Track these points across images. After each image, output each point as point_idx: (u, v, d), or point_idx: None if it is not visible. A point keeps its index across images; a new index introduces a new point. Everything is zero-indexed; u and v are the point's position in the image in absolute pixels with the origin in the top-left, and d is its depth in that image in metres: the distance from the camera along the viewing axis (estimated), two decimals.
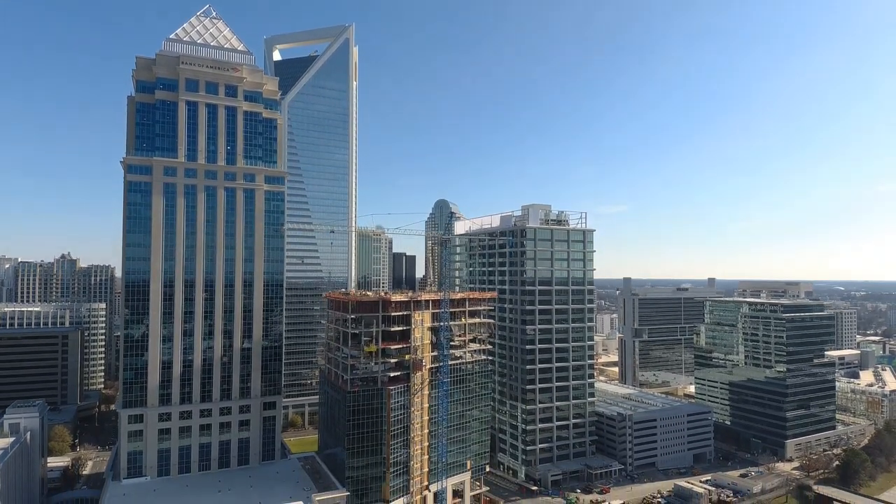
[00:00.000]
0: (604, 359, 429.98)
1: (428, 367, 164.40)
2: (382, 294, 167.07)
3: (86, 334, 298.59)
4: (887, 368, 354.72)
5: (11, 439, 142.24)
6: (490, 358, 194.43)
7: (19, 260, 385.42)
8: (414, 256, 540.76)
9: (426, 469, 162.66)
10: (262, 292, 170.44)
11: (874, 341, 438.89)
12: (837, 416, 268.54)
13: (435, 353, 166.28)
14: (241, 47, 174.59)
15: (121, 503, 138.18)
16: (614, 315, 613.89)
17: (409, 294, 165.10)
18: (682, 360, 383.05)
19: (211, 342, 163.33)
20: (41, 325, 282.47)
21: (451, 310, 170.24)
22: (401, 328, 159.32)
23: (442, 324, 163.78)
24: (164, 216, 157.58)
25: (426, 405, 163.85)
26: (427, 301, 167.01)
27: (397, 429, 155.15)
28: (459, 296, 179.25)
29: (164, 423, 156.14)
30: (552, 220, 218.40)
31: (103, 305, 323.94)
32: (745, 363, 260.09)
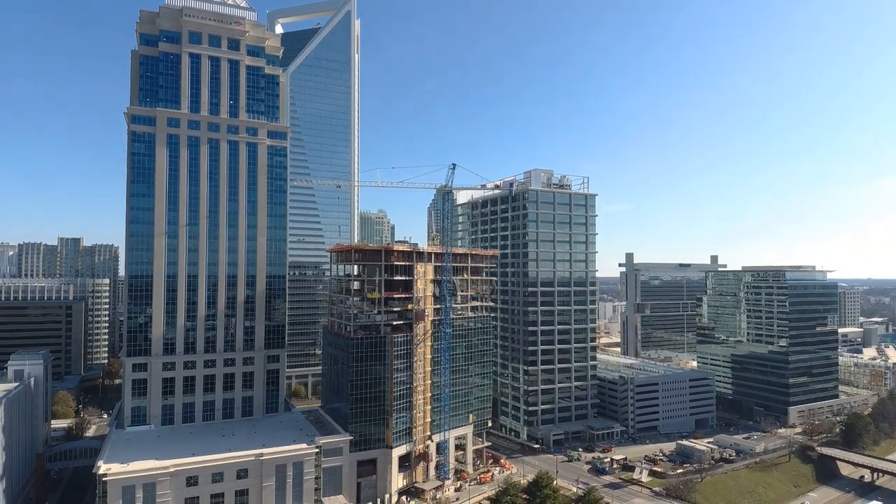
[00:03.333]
0: (605, 340, 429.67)
1: (430, 318, 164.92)
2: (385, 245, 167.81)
3: (90, 309, 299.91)
4: (890, 346, 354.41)
5: (15, 384, 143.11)
6: (492, 315, 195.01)
7: (23, 242, 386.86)
8: (416, 244, 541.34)
9: (429, 419, 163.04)
10: (264, 247, 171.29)
11: (877, 322, 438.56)
12: (840, 389, 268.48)
13: (437, 307, 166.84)
14: (242, 3, 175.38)
15: (124, 447, 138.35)
16: (616, 303, 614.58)
17: (412, 246, 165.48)
18: (683, 341, 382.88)
19: (215, 294, 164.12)
20: (45, 299, 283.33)
21: (454, 264, 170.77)
22: (403, 278, 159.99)
23: (444, 276, 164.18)
24: (167, 167, 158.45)
25: (429, 356, 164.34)
26: (429, 254, 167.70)
27: (400, 377, 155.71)
28: (461, 251, 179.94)
29: (168, 372, 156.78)
30: (554, 185, 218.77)
31: (107, 281, 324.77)
32: (748, 332, 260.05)
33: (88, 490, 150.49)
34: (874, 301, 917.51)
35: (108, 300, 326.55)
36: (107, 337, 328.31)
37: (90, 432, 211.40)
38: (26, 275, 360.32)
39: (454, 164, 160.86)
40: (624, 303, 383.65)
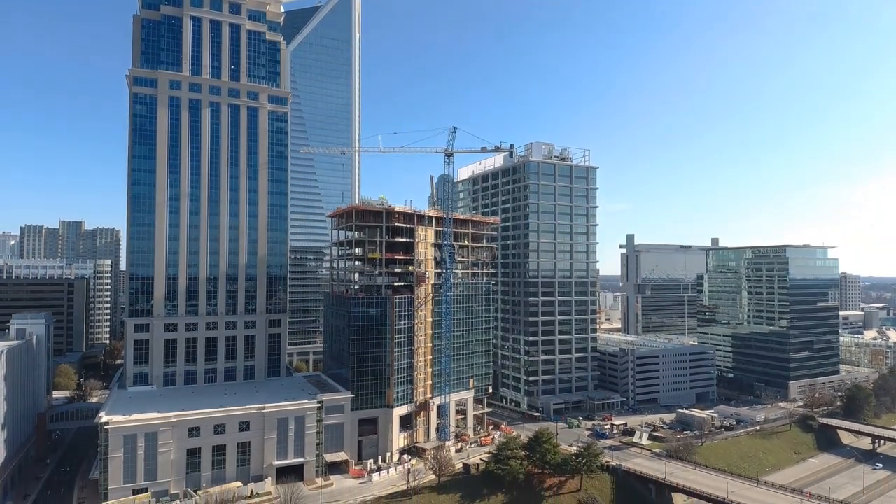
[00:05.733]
0: (606, 326, 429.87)
1: (431, 282, 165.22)
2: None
3: (92, 290, 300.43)
4: (891, 329, 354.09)
5: (17, 341, 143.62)
6: (493, 282, 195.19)
7: (24, 225, 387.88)
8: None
9: (429, 381, 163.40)
10: (266, 212, 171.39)
11: (878, 307, 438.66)
12: (841, 368, 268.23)
13: (438, 271, 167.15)
14: None
15: (126, 403, 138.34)
16: (617, 293, 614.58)
17: (413, 209, 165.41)
18: (684, 325, 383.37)
19: (217, 258, 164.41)
20: (47, 278, 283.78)
21: (455, 230, 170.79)
22: (404, 240, 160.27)
23: (445, 240, 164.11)
24: (168, 129, 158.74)
25: (430, 319, 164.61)
26: (431, 217, 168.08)
27: (401, 338, 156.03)
28: (462, 217, 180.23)
29: (170, 333, 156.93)
30: (556, 157, 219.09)
31: (108, 261, 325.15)
32: (749, 309, 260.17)
33: (90, 450, 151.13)
34: (875, 296, 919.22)
35: (109, 282, 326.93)
36: (108, 319, 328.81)
37: (92, 401, 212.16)
38: (28, 257, 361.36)
39: (455, 128, 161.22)
40: (624, 293, 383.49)
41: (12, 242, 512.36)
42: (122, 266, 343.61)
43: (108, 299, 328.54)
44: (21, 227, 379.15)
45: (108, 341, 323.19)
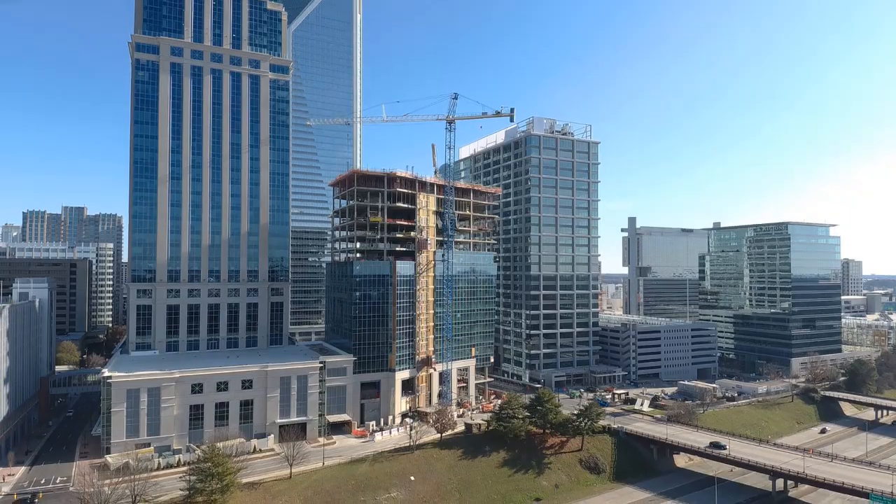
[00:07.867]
0: (608, 314, 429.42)
1: (433, 249, 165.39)
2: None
3: (94, 271, 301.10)
4: (894, 313, 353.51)
5: (21, 302, 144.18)
6: (494, 254, 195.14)
7: (27, 210, 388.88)
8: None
9: (431, 348, 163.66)
10: (267, 180, 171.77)
11: (880, 292, 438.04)
12: (844, 349, 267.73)
13: (440, 239, 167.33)
14: None
15: (127, 365, 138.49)
16: (619, 284, 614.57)
17: (415, 175, 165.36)
18: (686, 311, 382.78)
19: (219, 225, 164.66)
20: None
21: (457, 199, 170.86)
22: (406, 206, 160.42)
23: (447, 209, 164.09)
24: (170, 95, 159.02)
25: (431, 286, 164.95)
26: (433, 185, 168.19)
27: (403, 303, 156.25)
28: (464, 185, 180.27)
29: (173, 299, 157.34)
30: (557, 132, 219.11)
31: (111, 245, 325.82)
32: (751, 286, 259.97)
33: (93, 413, 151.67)
34: (878, 290, 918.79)
35: (111, 265, 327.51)
36: (111, 302, 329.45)
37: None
38: (31, 241, 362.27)
39: (456, 94, 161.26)
40: (628, 265, 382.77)
41: (14, 234, 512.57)
42: (125, 252, 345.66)
43: (111, 283, 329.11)
44: (23, 213, 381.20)
45: (110, 324, 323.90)
